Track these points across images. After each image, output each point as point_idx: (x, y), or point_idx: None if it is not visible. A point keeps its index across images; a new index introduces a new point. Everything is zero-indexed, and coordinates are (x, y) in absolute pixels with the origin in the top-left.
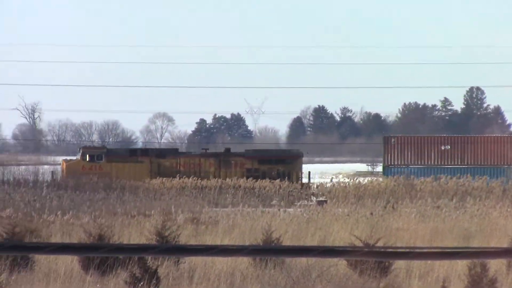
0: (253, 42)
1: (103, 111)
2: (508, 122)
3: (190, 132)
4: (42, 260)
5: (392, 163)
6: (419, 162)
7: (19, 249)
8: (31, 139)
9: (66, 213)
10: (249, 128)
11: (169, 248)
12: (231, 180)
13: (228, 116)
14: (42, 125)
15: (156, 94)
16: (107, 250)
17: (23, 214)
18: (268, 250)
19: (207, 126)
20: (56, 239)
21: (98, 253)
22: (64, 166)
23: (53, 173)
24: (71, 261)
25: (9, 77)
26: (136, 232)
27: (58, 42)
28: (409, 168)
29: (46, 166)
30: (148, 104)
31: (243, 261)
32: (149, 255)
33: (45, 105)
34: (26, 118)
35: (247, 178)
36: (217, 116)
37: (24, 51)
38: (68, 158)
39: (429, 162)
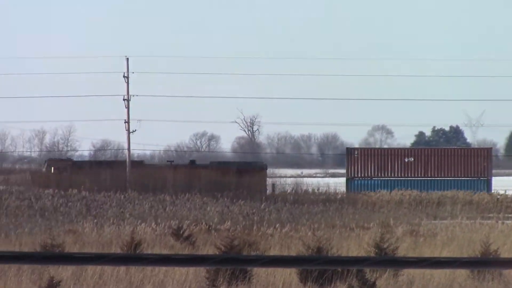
0: (471, 55)
1: (322, 123)
2: None
3: (409, 145)
4: (260, 273)
5: (355, 176)
6: (382, 174)
7: (231, 262)
8: (250, 152)
9: (284, 226)
10: (467, 140)
11: (382, 261)
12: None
13: (447, 128)
14: (261, 138)
15: (375, 107)
16: (321, 262)
17: (242, 227)
18: (478, 262)
19: (426, 138)
20: (275, 251)
21: (312, 265)
22: (30, 177)
23: (273, 185)
24: (289, 274)
25: (229, 90)
26: (354, 244)
27: (275, 55)
28: (372, 180)
29: (269, 180)
30: (367, 116)
31: (461, 274)
32: (362, 267)
33: (264, 117)
34: (245, 131)
35: (210, 190)
36: (436, 128)
37: (241, 65)
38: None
39: (393, 175)
